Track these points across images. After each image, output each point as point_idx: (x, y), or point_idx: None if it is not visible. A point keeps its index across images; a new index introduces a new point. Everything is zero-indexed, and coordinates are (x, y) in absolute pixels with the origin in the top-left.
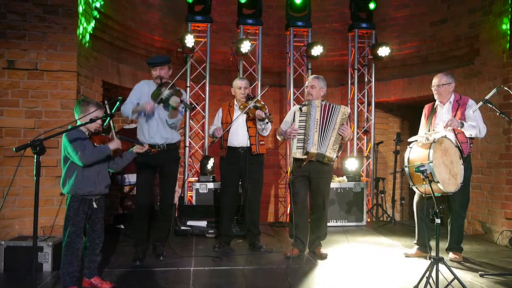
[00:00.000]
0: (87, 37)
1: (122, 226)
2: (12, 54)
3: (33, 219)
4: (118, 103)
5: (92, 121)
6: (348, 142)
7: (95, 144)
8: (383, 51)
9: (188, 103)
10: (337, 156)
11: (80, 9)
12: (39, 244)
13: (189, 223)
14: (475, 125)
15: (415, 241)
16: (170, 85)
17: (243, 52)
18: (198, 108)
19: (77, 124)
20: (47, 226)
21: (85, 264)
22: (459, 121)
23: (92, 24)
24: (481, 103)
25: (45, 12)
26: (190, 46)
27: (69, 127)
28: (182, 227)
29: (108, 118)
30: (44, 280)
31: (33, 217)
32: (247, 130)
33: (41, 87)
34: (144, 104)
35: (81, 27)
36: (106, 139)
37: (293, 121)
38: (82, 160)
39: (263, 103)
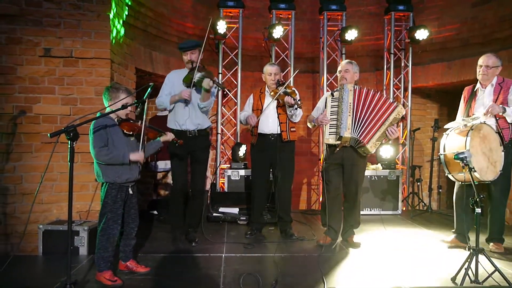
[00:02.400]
0: (121, 24)
1: (156, 212)
2: (48, 42)
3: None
4: (149, 89)
5: (123, 107)
6: None
7: (125, 131)
8: (421, 34)
9: (220, 83)
10: (374, 152)
11: None
12: (75, 228)
13: (221, 209)
14: None
15: (453, 230)
16: (200, 68)
17: (275, 37)
18: (230, 94)
19: (107, 111)
20: (83, 211)
21: (121, 248)
22: (501, 106)
23: (126, 11)
24: None
25: (79, 0)
26: (222, 33)
27: (98, 114)
28: (214, 214)
29: (140, 104)
30: (80, 263)
31: (68, 202)
32: (278, 117)
33: (76, 74)
34: (181, 93)
35: (113, 15)
36: (135, 126)
37: (325, 107)
38: (96, 157)
39: (293, 89)
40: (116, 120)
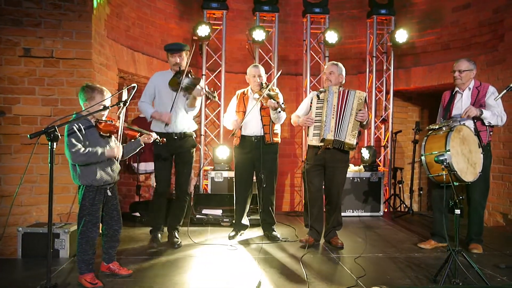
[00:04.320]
0: (102, 24)
1: (138, 214)
2: (28, 42)
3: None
4: (133, 91)
5: (103, 109)
6: (366, 131)
7: (101, 132)
8: (401, 35)
9: (209, 91)
10: (357, 143)
11: None
12: (56, 231)
13: (204, 211)
14: (495, 113)
15: (431, 231)
16: (188, 73)
17: (257, 40)
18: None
19: (88, 112)
20: (63, 213)
21: (104, 250)
22: (478, 109)
23: (107, 11)
24: (505, 90)
25: None
26: (203, 36)
27: (73, 115)
28: (197, 216)
29: (122, 105)
30: (61, 266)
31: (48, 203)
32: (261, 119)
33: (57, 75)
34: (162, 117)
35: (96, 15)
36: (112, 127)
37: (310, 108)
38: (73, 159)
39: (277, 91)
40: (93, 121)
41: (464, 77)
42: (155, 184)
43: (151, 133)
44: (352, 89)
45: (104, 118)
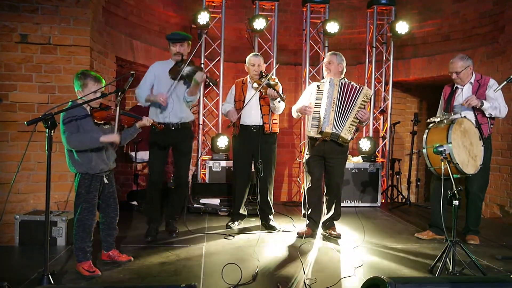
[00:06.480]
0: (100, 11)
1: (136, 203)
2: (25, 28)
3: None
4: (131, 78)
5: (104, 95)
6: None
7: (96, 120)
8: (401, 26)
9: (210, 77)
10: (352, 138)
11: None
12: (53, 218)
13: (202, 201)
14: (495, 105)
15: (429, 223)
16: (189, 62)
17: (257, 29)
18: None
19: (85, 100)
20: (61, 201)
21: (102, 238)
22: (479, 99)
23: None
24: (504, 82)
25: None
26: (203, 24)
27: (69, 103)
28: (195, 205)
29: (120, 93)
30: (58, 254)
31: (45, 191)
32: (260, 109)
33: (54, 62)
34: (156, 97)
35: (94, 1)
36: (107, 114)
37: (310, 99)
38: (69, 144)
39: (276, 81)
40: (88, 109)
41: (463, 76)
42: (149, 174)
43: (144, 117)
44: (360, 85)
45: (98, 106)
